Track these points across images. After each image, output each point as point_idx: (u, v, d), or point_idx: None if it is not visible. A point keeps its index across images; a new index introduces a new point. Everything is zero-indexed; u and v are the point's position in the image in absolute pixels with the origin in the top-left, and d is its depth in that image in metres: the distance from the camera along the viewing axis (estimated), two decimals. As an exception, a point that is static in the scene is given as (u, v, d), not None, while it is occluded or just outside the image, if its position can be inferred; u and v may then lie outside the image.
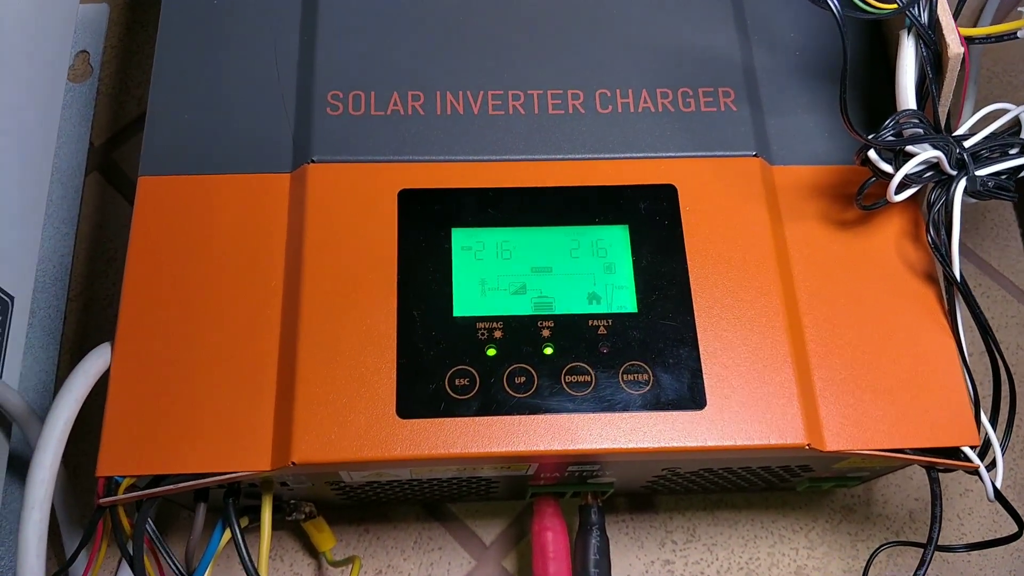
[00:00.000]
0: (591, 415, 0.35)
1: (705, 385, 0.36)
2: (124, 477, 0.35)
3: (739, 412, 0.36)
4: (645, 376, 0.36)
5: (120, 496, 0.35)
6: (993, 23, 0.58)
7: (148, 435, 0.35)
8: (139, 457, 0.35)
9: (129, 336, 0.37)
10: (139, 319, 0.37)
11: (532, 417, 0.35)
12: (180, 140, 0.41)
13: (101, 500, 0.35)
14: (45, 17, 0.51)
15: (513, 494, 0.46)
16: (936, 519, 0.38)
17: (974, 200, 0.39)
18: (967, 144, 0.37)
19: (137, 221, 0.39)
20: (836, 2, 0.31)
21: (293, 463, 0.34)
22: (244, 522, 0.42)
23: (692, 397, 0.36)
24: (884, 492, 0.49)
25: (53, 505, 0.38)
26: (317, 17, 0.43)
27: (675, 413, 0.35)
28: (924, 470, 0.39)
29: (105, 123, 0.57)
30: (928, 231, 0.38)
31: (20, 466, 0.46)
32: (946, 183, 0.37)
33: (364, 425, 0.35)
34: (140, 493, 0.35)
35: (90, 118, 0.56)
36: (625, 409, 0.35)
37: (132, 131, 0.56)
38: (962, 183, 0.37)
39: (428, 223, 0.39)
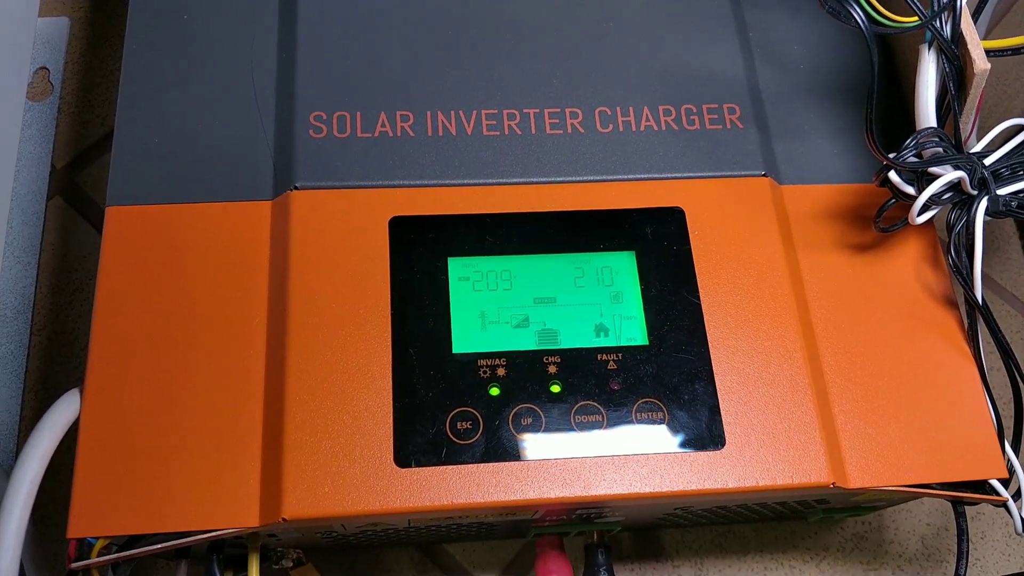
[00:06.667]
0: (604, 458, 0.33)
1: (724, 422, 0.34)
2: (98, 538, 0.32)
3: (760, 451, 0.34)
4: (660, 414, 0.34)
5: (94, 560, 0.32)
6: (988, 31, 0.57)
7: (123, 491, 0.32)
8: (114, 516, 0.32)
9: (100, 383, 0.34)
10: (110, 364, 0.34)
11: (541, 462, 0.33)
12: (150, 167, 0.38)
13: (73, 564, 0.32)
14: (0, 31, 0.47)
15: (513, 533, 0.43)
16: (963, 555, 0.37)
17: (989, 219, 0.38)
18: (987, 162, 0.36)
19: (106, 256, 0.36)
20: (862, 17, 0.29)
21: (284, 519, 0.32)
22: (228, 574, 0.39)
23: (711, 436, 0.34)
24: (895, 518, 0.47)
25: (21, 564, 0.35)
26: (297, 32, 0.40)
27: (694, 453, 0.33)
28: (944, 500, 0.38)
29: (67, 144, 0.53)
30: (949, 254, 0.36)
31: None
32: (967, 203, 0.36)
33: (360, 475, 0.32)
34: (116, 556, 0.32)
35: (51, 139, 0.53)
36: (640, 451, 0.33)
37: (97, 152, 0.53)
38: (983, 203, 0.35)
39: (422, 252, 0.36)
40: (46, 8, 0.56)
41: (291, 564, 0.42)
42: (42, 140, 0.53)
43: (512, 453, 0.33)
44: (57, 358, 0.48)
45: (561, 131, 0.39)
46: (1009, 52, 0.36)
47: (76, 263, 0.50)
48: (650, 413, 0.34)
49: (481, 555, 0.45)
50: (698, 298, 0.36)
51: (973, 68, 0.33)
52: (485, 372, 0.34)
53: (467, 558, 0.45)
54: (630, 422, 0.34)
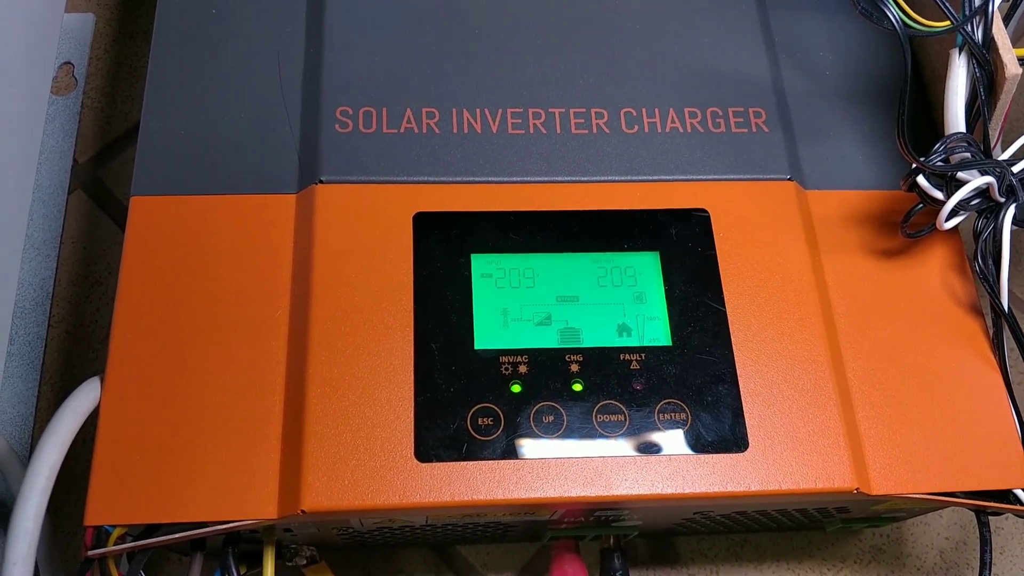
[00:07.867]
0: (626, 458, 0.33)
1: (747, 425, 0.34)
2: (115, 527, 0.32)
3: (783, 454, 0.33)
4: (683, 415, 0.34)
5: (110, 548, 0.32)
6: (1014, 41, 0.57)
7: (141, 480, 0.32)
8: (131, 504, 0.32)
9: (121, 371, 0.34)
10: (132, 352, 0.34)
11: (562, 460, 0.33)
12: (176, 157, 0.38)
13: (89, 552, 0.32)
14: (27, 26, 0.48)
15: (529, 536, 0.43)
16: (986, 565, 0.36)
17: (1016, 228, 0.37)
18: (1015, 169, 0.35)
19: (129, 245, 0.36)
20: (897, 17, 0.29)
21: (303, 511, 0.31)
22: (242, 569, 0.39)
23: (734, 438, 0.33)
24: (913, 531, 0.47)
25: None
26: (324, 27, 0.40)
27: (716, 456, 0.33)
28: (961, 508, 0.37)
29: (90, 139, 0.54)
30: (976, 260, 0.36)
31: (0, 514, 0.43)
32: (994, 210, 0.35)
33: (379, 469, 0.32)
34: (132, 544, 0.32)
35: (74, 133, 0.53)
36: (663, 452, 0.33)
37: (119, 147, 0.53)
38: (1011, 210, 0.35)
39: (445, 248, 0.36)
40: (72, 4, 0.57)
41: (304, 562, 0.41)
42: (65, 134, 0.53)
43: (533, 451, 0.33)
44: (74, 351, 0.48)
45: (586, 131, 0.39)
46: (1038, 60, 0.36)
47: (96, 256, 0.50)
48: (673, 414, 0.34)
49: (495, 558, 0.45)
50: (722, 300, 0.36)
51: (1004, 73, 0.33)
52: (507, 369, 0.34)
53: (481, 560, 0.45)
54: (652, 422, 0.34)
